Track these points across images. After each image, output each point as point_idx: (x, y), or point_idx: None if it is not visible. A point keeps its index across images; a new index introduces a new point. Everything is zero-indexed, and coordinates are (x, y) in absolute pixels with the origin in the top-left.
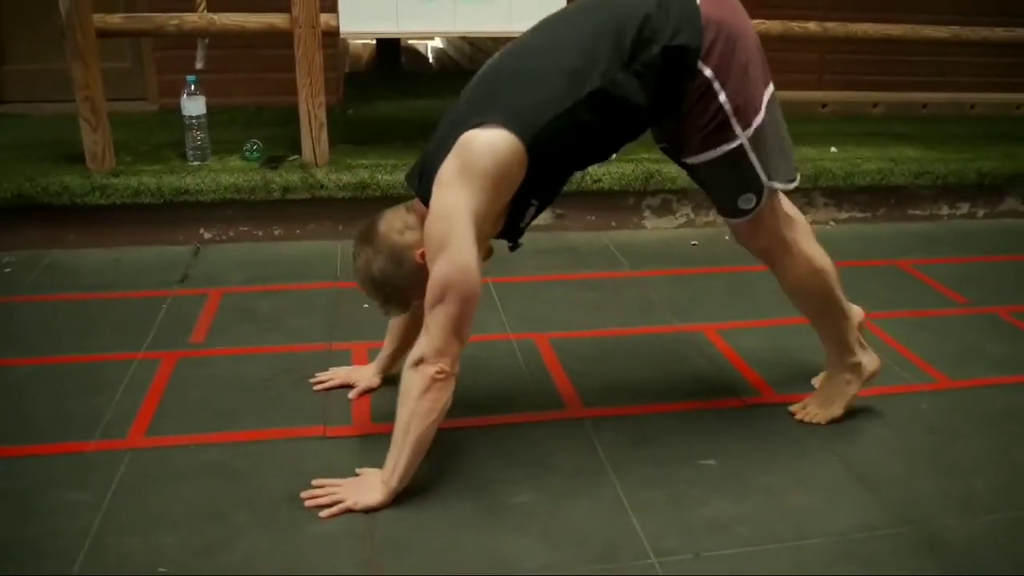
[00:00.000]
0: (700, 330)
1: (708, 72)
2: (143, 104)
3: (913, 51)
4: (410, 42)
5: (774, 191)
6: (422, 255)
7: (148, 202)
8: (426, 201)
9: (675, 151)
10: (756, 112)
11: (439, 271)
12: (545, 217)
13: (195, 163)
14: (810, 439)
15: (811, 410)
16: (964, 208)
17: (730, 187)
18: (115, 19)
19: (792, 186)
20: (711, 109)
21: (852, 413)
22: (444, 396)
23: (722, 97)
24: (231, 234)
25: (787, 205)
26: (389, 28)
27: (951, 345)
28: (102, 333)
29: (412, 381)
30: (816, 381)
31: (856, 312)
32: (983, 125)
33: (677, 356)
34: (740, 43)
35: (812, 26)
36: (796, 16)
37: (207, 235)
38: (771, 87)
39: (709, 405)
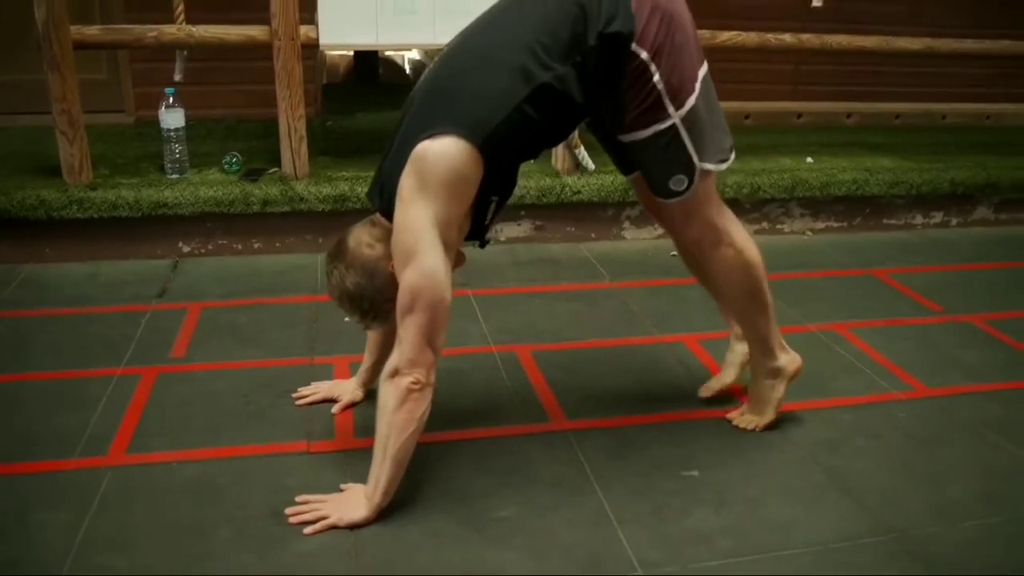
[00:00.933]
0: (680, 340)
1: (644, 55)
2: (120, 116)
3: (886, 62)
4: (388, 53)
5: (707, 173)
6: (393, 266)
7: (126, 215)
8: (388, 215)
9: (610, 129)
10: (690, 93)
11: (407, 280)
12: (525, 228)
13: (174, 176)
14: (791, 448)
15: (748, 417)
16: (938, 217)
17: (662, 167)
18: (92, 31)
19: (724, 166)
20: (645, 89)
21: (832, 421)
22: (421, 407)
23: (656, 78)
24: (210, 247)
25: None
26: (368, 40)
27: (928, 353)
28: (80, 349)
29: (388, 394)
30: (703, 390)
31: (793, 359)
32: (955, 135)
33: (658, 367)
34: (675, 24)
35: (788, 38)
36: (772, 28)
37: (186, 249)
38: (704, 66)
39: (690, 415)
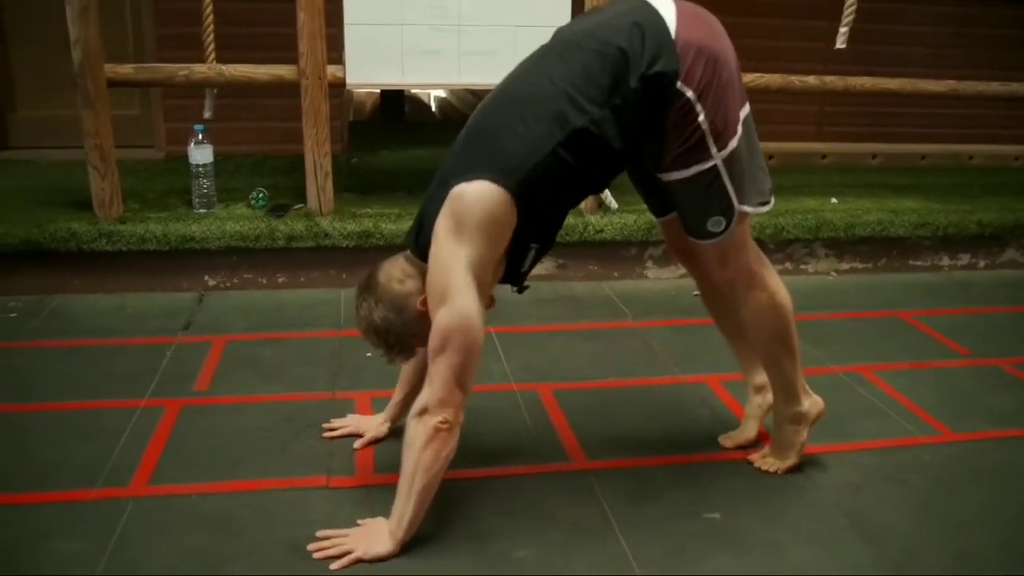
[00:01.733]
0: (703, 381)
1: (690, 93)
2: (150, 151)
3: (911, 103)
4: (414, 92)
5: (745, 215)
6: (423, 303)
7: (154, 249)
8: (421, 255)
9: (650, 168)
10: (733, 134)
11: (440, 321)
12: (547, 267)
13: (201, 211)
14: (813, 492)
15: (769, 460)
16: (965, 259)
17: (701, 207)
18: (126, 69)
19: (764, 209)
20: (690, 128)
21: (855, 465)
22: (448, 447)
23: (701, 118)
24: (235, 281)
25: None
26: (394, 80)
27: (953, 397)
28: (105, 380)
29: (416, 432)
30: (724, 440)
31: (816, 402)
32: (981, 177)
33: (680, 407)
34: (721, 64)
35: (811, 80)
36: (796, 70)
37: (211, 282)
38: (747, 107)
39: (712, 457)
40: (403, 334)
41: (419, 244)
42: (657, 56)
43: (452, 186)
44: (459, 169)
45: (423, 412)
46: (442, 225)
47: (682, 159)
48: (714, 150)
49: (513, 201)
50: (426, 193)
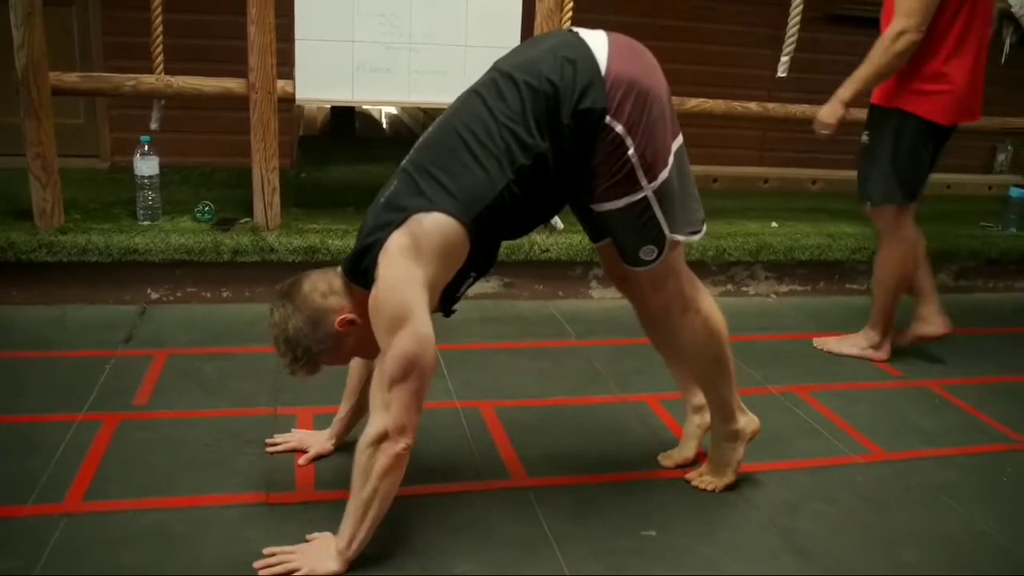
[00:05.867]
0: (643, 400)
1: (619, 128)
2: (94, 161)
3: (848, 132)
4: (364, 107)
5: (676, 243)
6: (342, 322)
7: (95, 260)
8: (360, 282)
9: (583, 198)
10: (663, 166)
11: (404, 347)
12: (493, 285)
13: (145, 223)
14: (749, 510)
15: (706, 478)
16: None
17: (633, 237)
18: (72, 77)
19: (696, 238)
20: (619, 162)
21: (790, 483)
22: (403, 471)
23: (631, 151)
24: (179, 295)
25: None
26: (344, 96)
27: (886, 418)
28: (42, 393)
29: (375, 460)
30: (663, 458)
31: (751, 420)
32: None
33: (620, 426)
34: (651, 98)
35: (753, 106)
36: (741, 96)
37: (154, 295)
38: (679, 138)
39: (651, 475)
40: (312, 349)
41: (358, 269)
42: (586, 92)
43: (408, 212)
44: (413, 198)
45: (382, 439)
46: (397, 244)
47: (613, 191)
48: (644, 182)
49: (468, 235)
50: (369, 217)
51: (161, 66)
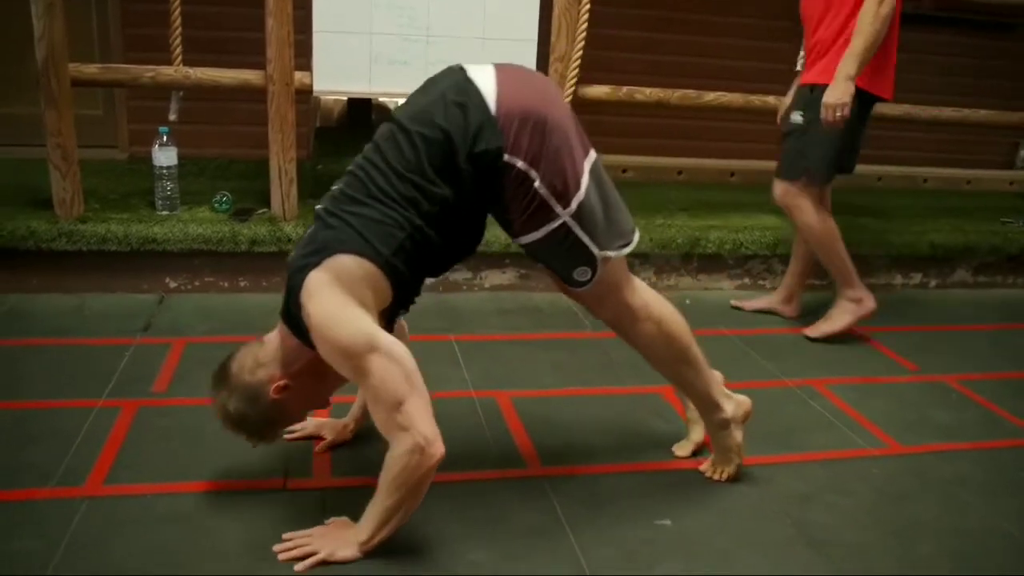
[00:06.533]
0: (658, 392)
1: (520, 164)
2: (114, 152)
3: (868, 126)
4: (381, 100)
5: (608, 259)
6: (276, 389)
7: (114, 249)
8: (295, 326)
9: (506, 231)
10: (576, 188)
11: (384, 370)
12: (510, 277)
13: (164, 212)
14: (763, 501)
15: (719, 468)
16: (917, 279)
17: (563, 262)
18: (91, 69)
19: (626, 251)
20: (528, 195)
21: (805, 475)
22: (432, 478)
23: (537, 183)
24: (197, 284)
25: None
26: (361, 88)
27: (902, 412)
28: (62, 380)
29: (417, 472)
30: (677, 449)
31: (740, 403)
32: (935, 199)
33: (635, 416)
34: (549, 127)
35: (771, 100)
36: (758, 90)
37: (172, 284)
38: (591, 156)
39: (665, 466)
40: (258, 423)
41: (291, 313)
42: (479, 134)
43: (324, 254)
44: (327, 241)
45: (418, 451)
46: (317, 280)
47: (530, 223)
48: (559, 209)
49: (385, 275)
50: (294, 262)
51: (179, 58)
